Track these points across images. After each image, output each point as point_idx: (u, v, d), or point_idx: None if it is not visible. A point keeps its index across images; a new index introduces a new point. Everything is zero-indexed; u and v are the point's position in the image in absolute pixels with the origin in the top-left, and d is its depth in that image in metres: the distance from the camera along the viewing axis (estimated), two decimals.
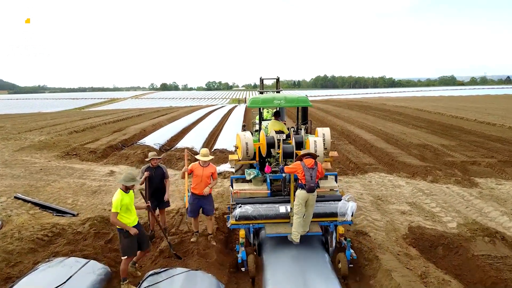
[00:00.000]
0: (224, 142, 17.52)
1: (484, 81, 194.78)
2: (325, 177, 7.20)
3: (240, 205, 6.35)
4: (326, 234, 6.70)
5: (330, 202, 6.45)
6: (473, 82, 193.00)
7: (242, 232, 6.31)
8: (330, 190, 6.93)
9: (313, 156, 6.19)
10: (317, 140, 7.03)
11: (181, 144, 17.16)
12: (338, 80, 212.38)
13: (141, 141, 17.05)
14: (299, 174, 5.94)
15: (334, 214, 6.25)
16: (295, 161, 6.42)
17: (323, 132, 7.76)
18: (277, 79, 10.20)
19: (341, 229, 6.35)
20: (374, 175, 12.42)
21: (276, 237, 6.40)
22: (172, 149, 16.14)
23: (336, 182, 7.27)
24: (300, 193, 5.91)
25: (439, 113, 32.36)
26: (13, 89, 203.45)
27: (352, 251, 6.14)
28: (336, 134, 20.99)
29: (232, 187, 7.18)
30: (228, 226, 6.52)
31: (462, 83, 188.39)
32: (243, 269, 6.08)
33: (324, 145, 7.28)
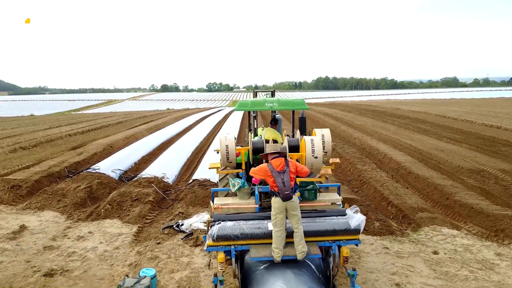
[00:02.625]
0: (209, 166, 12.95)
1: (487, 82, 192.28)
2: (326, 189, 6.21)
3: (219, 221, 5.03)
4: (327, 257, 5.30)
5: (331, 217, 5.18)
6: (476, 83, 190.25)
7: (221, 256, 4.95)
8: (332, 204, 5.70)
9: (282, 154, 5.04)
10: (315, 139, 5.83)
11: (150, 169, 12.59)
12: (340, 81, 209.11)
13: (95, 166, 12.44)
14: (269, 181, 4.83)
15: (337, 232, 4.99)
16: (262, 159, 5.45)
17: (322, 133, 6.46)
18: (273, 92, 8.75)
19: (345, 251, 5.04)
20: (434, 234, 7.89)
21: (266, 268, 4.96)
22: (136, 178, 11.59)
23: (339, 195, 5.97)
24: (275, 201, 4.78)
25: (468, 120, 27.78)
26: (13, 90, 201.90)
27: (359, 287, 4.90)
28: (356, 153, 16.41)
29: (213, 202, 5.78)
30: (205, 249, 5.24)
31: (464, 85, 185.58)
32: None
33: (324, 148, 6.04)
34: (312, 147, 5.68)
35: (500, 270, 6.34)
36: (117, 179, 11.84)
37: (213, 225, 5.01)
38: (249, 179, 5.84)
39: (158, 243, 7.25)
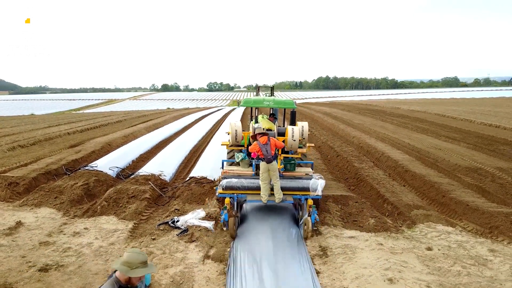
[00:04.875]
0: (207, 163, 12.98)
1: (487, 82, 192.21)
2: (305, 164, 8.83)
3: (226, 178, 7.70)
4: (298, 206, 8.09)
5: (303, 179, 7.82)
6: (476, 83, 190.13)
7: (227, 200, 7.45)
8: (306, 174, 8.08)
9: (264, 134, 7.52)
10: (294, 128, 8.19)
11: (148, 167, 12.62)
12: (340, 81, 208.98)
13: (92, 164, 12.45)
14: (258, 152, 7.31)
15: (305, 189, 7.64)
16: (252, 140, 8.08)
17: (302, 124, 8.78)
18: (272, 87, 11.63)
19: (310, 201, 7.46)
20: (429, 231, 7.91)
21: (257, 213, 8.06)
22: (133, 175, 11.61)
23: (312, 169, 8.55)
24: (262, 164, 7.34)
25: (467, 119, 27.79)
26: (14, 89, 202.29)
27: (316, 215, 7.28)
28: (354, 151, 16.42)
29: (223, 168, 8.49)
30: (216, 195, 7.90)
31: (465, 85, 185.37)
32: (224, 228, 7.37)
33: (302, 135, 8.59)
34: (292, 133, 8.07)
35: (493, 266, 6.36)
36: (114, 176, 11.86)
37: (223, 179, 7.69)
38: (249, 154, 8.13)
39: (153, 239, 7.28)
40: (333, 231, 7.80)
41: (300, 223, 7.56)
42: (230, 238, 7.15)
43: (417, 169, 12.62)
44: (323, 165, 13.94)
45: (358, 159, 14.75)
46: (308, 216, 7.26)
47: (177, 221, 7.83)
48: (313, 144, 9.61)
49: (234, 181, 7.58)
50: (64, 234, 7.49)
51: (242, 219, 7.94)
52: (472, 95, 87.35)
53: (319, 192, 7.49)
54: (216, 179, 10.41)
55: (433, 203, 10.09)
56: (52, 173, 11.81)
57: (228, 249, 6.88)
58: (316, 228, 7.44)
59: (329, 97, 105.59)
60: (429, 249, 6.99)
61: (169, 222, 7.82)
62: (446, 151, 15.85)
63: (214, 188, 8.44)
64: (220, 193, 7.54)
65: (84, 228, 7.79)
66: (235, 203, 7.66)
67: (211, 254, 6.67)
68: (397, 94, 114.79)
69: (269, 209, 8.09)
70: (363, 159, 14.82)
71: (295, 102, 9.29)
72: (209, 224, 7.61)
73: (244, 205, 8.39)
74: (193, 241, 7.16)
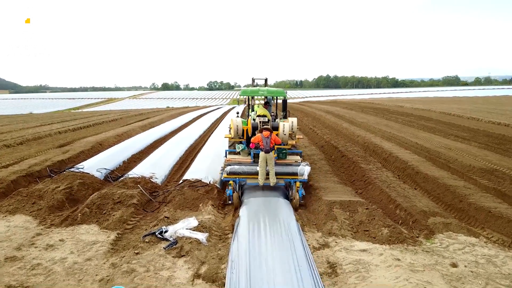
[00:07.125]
0: (202, 164, 12.05)
1: (488, 81, 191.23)
2: (295, 154, 10.21)
3: (230, 165, 9.17)
4: (289, 187, 9.56)
5: (293, 166, 9.28)
6: (477, 82, 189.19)
7: (231, 182, 8.96)
8: (295, 161, 9.53)
9: (268, 129, 8.94)
10: (285, 124, 9.67)
11: (139, 168, 11.69)
12: (341, 80, 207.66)
13: (79, 165, 11.50)
14: (260, 142, 8.73)
15: (294, 174, 9.06)
16: (258, 133, 9.27)
17: (292, 120, 10.08)
18: (266, 80, 12.77)
19: (298, 184, 8.95)
20: (451, 242, 6.99)
21: (255, 195, 9.14)
22: (122, 178, 10.69)
23: (301, 157, 10.20)
24: (261, 154, 8.72)
25: (474, 118, 26.81)
26: (14, 88, 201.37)
27: (303, 190, 9.03)
28: (360, 151, 15.47)
29: (226, 157, 9.86)
30: (222, 179, 9.52)
31: (466, 83, 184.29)
32: (229, 201, 9.02)
33: (292, 129, 9.88)
34: (283, 128, 9.56)
35: None
36: (102, 179, 10.93)
37: (227, 166, 9.10)
38: (247, 145, 9.63)
39: (137, 253, 6.35)
40: (342, 242, 6.89)
41: (290, 198, 9.18)
42: (234, 209, 8.79)
43: (428, 171, 11.68)
44: (327, 166, 12.99)
45: (364, 159, 13.81)
46: (296, 192, 8.90)
47: (166, 231, 6.91)
48: (301, 136, 11.21)
49: (236, 168, 9.02)
50: (36, 247, 6.57)
51: (244, 197, 9.30)
52: (474, 94, 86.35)
53: (305, 176, 8.93)
54: (212, 182, 9.76)
55: (450, 209, 9.17)
56: (35, 175, 10.90)
57: (222, 266, 5.98)
58: (303, 202, 9.11)
59: (330, 96, 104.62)
60: (454, 265, 6.07)
61: (156, 233, 6.89)
62: (457, 151, 14.91)
63: (220, 172, 9.99)
64: (225, 178, 8.98)
65: (60, 240, 6.87)
66: (237, 186, 9.05)
67: (202, 273, 5.75)
68: (398, 92, 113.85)
69: (267, 189, 9.48)
70: (370, 159, 13.89)
71: (286, 91, 10.67)
72: (201, 236, 6.70)
73: (244, 186, 9.70)
74: (182, 255, 6.23)
